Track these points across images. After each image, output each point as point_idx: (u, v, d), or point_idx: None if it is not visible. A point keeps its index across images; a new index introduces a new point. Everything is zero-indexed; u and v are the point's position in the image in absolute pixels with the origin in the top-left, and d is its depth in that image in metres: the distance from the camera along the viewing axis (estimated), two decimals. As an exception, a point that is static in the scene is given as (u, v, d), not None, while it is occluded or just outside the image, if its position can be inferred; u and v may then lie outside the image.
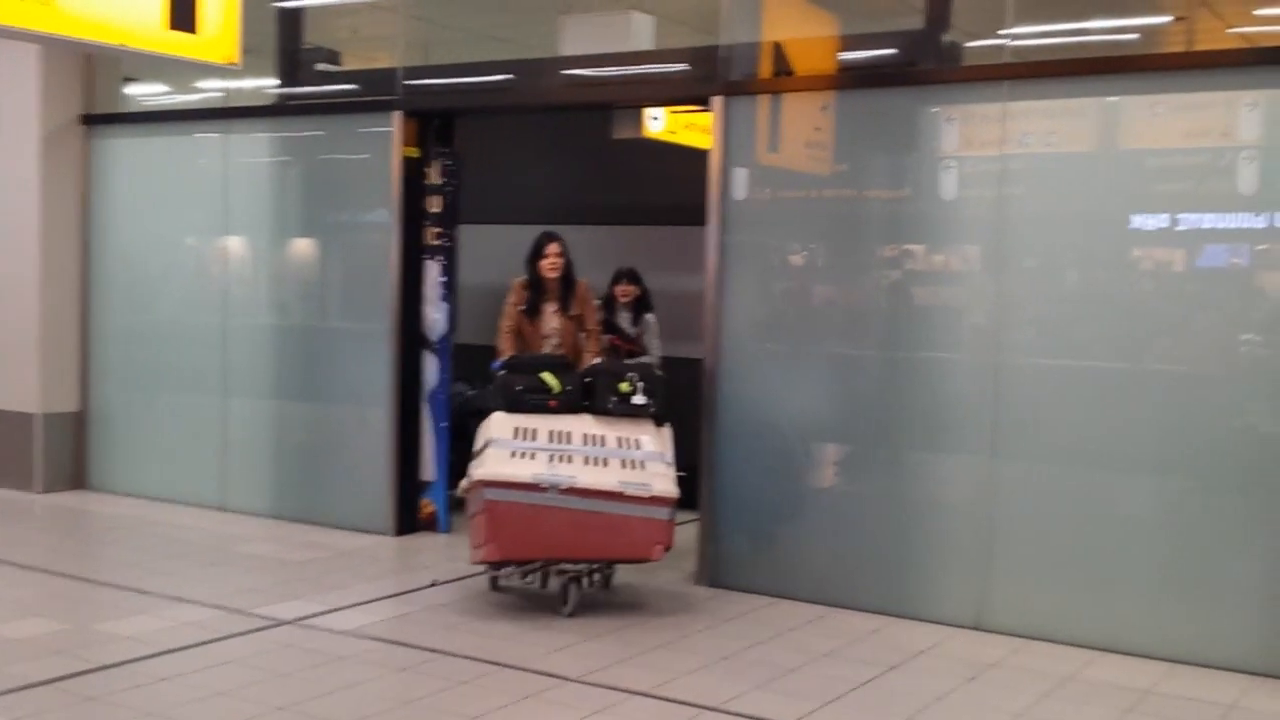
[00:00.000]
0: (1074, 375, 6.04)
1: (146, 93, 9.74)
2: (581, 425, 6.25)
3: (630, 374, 6.40)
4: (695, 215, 6.99)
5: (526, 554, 6.21)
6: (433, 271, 8.09)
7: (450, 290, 8.15)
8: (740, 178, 6.89)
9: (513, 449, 6.10)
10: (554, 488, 5.96)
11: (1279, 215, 5.56)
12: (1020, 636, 5.98)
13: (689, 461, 7.05)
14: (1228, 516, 5.69)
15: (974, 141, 6.29)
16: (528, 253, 7.03)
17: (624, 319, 8.26)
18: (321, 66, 8.94)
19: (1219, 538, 5.71)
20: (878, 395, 6.61)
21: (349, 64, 9.19)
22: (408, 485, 8.12)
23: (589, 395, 6.39)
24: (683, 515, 7.85)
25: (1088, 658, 5.75)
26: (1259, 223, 5.61)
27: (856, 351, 6.73)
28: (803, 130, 6.92)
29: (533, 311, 7.03)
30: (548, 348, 6.97)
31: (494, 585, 6.68)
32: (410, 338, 8.06)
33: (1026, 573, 6.09)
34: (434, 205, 8.06)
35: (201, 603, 6.42)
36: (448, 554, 7.61)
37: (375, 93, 8.17)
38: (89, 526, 8.54)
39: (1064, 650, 5.86)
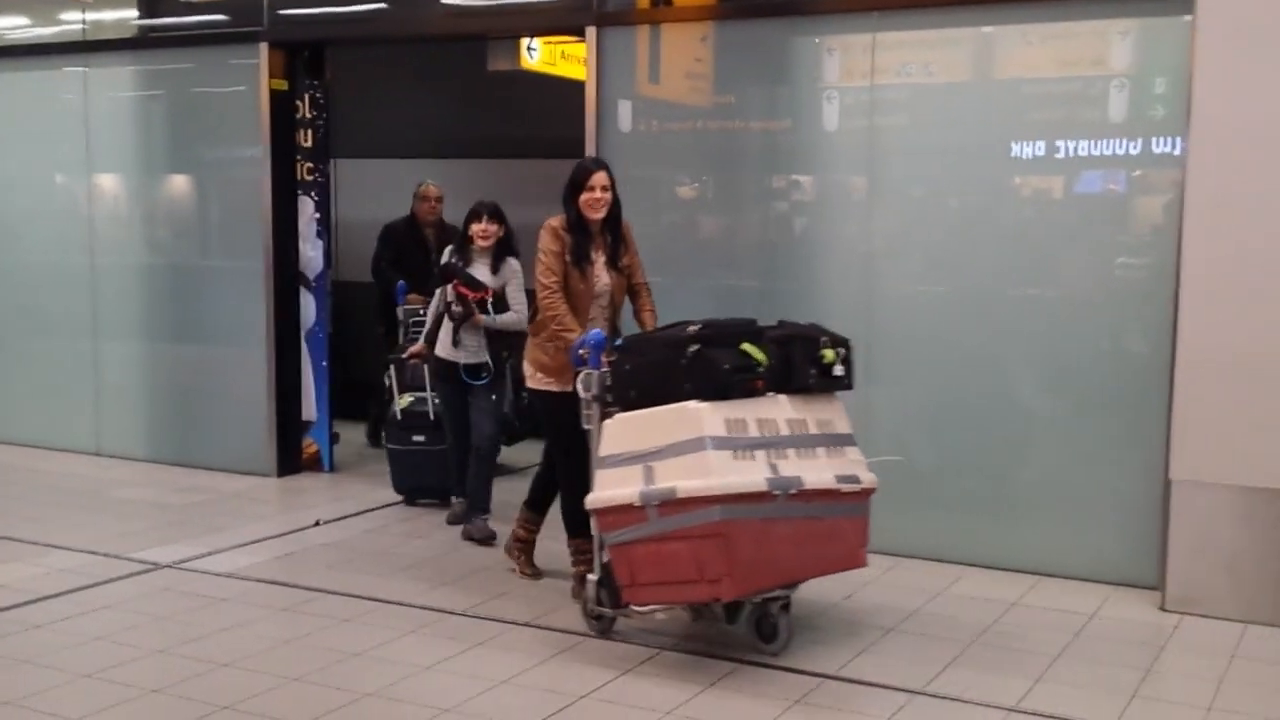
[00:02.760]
0: (950, 301, 6.17)
1: (2, 26, 9.34)
2: (781, 408, 4.77)
3: (824, 338, 4.97)
4: (577, 148, 6.96)
5: (761, 584, 4.73)
6: (307, 208, 7.95)
7: (326, 227, 8.02)
8: (619, 110, 6.87)
9: (734, 449, 4.54)
10: (784, 494, 4.57)
11: (1154, 141, 5.69)
12: (895, 555, 6.15)
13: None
14: (1096, 435, 5.89)
15: (852, 72, 6.34)
16: (566, 185, 5.52)
17: (482, 265, 6.51)
18: (185, -3, 8.66)
19: (1087, 456, 5.92)
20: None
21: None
22: (289, 425, 8.03)
23: (785, 368, 4.90)
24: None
25: (957, 573, 5.95)
26: (1134, 149, 5.75)
27: (738, 282, 6.79)
28: (683, 61, 6.91)
29: (581, 261, 5.46)
30: (597, 310, 5.51)
31: (696, 615, 5.10)
32: (286, 276, 7.93)
33: (900, 494, 6.24)
34: (305, 139, 7.90)
35: (76, 549, 6.31)
36: (331, 494, 7.57)
37: (241, 23, 7.95)
38: (-44, 476, 8.32)
39: (936, 566, 6.05)
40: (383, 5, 7.82)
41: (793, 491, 4.55)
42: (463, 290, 6.40)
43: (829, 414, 4.90)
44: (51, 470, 8.23)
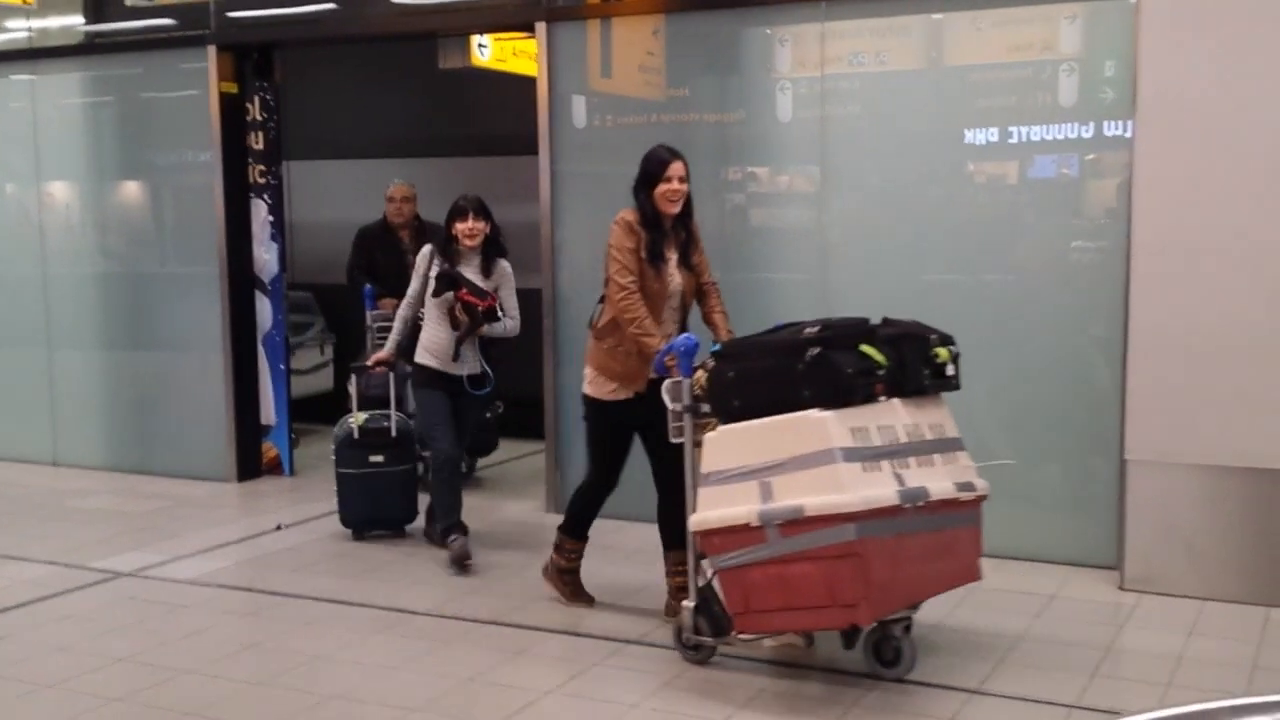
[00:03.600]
0: (905, 288, 6.19)
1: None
2: (897, 413, 4.37)
3: (933, 336, 4.60)
4: (531, 145, 6.94)
5: (894, 605, 4.38)
6: (260, 211, 7.89)
7: (280, 229, 7.97)
8: (571, 104, 6.87)
9: (862, 460, 4.16)
10: (913, 506, 4.22)
11: (1105, 125, 5.74)
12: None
13: (532, 392, 7.09)
14: (1055, 418, 5.95)
15: (803, 62, 6.36)
16: (637, 177, 5.08)
17: (470, 268, 6.02)
18: (132, 1, 8.58)
19: (1045, 439, 5.97)
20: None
21: (161, -2, 8.85)
22: (248, 430, 7.98)
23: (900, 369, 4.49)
24: (530, 445, 7.99)
25: (920, 559, 5.99)
26: (1086, 132, 5.80)
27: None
28: (635, 55, 6.91)
29: (656, 259, 5.01)
30: (668, 311, 5.09)
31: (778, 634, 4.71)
32: (241, 279, 7.88)
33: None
34: (256, 142, 7.84)
35: (36, 559, 6.25)
36: (292, 497, 7.52)
37: (188, 27, 7.90)
38: (-89, 490, 8.21)
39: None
40: (331, 5, 7.78)
41: (920, 504, 4.22)
42: (471, 299, 5.88)
43: (939, 417, 4.52)
44: (9, 481, 8.14)
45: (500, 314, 5.97)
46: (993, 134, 5.99)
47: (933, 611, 5.19)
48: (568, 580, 5.40)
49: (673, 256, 5.06)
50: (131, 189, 8.40)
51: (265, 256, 7.90)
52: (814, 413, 4.16)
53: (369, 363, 6.44)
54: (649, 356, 4.83)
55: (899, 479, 4.19)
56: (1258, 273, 5.23)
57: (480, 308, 5.89)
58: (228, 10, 7.75)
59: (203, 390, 7.98)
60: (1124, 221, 5.52)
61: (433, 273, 5.95)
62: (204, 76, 7.75)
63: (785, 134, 6.43)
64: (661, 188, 4.97)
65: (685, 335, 4.72)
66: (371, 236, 7.71)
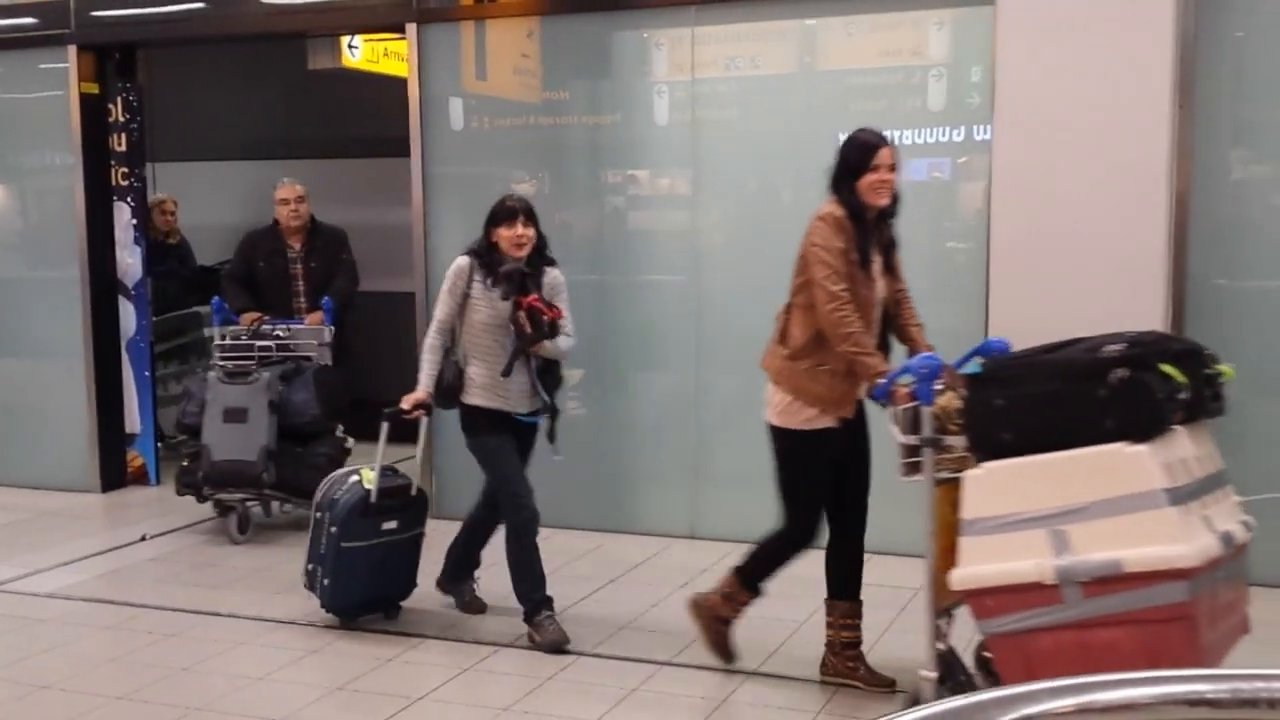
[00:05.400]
0: (779, 292, 6.25)
1: None
2: (1185, 444, 3.64)
3: (1207, 352, 3.84)
4: (404, 147, 6.88)
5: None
6: (123, 214, 7.68)
7: (144, 233, 7.77)
8: (444, 106, 6.83)
9: (1181, 503, 3.47)
10: (1227, 554, 3.57)
11: (974, 129, 5.86)
12: (730, 541, 6.21)
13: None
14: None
15: (676, 66, 6.41)
16: (839, 166, 4.42)
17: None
18: (-14, -1, 8.30)
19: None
20: (592, 320, 6.70)
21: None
22: (112, 439, 7.76)
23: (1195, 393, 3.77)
24: (404, 451, 7.88)
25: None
26: (957, 136, 5.93)
27: (573, 278, 6.77)
28: (510, 57, 6.89)
29: (865, 263, 4.36)
30: (872, 323, 4.42)
31: None
32: (104, 284, 7.66)
33: (731, 481, 6.35)
34: (119, 144, 7.64)
35: (-117, 578, 6.01)
36: (158, 507, 7.33)
37: (48, 26, 7.65)
38: None
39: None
40: (197, 5, 7.61)
41: (1228, 551, 3.55)
42: (540, 306, 4.88)
43: (1209, 445, 3.78)
44: None
45: (561, 329, 4.98)
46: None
47: (802, 607, 5.25)
48: (719, 631, 4.62)
49: (878, 259, 4.40)
50: (-10, 192, 8.13)
51: (129, 260, 7.69)
52: (1125, 447, 3.47)
53: (405, 405, 5.00)
54: (868, 378, 4.17)
55: (1207, 521, 3.53)
56: (1100, 273, 5.39)
57: (547, 317, 4.91)
58: (89, 9, 7.54)
59: (64, 398, 7.74)
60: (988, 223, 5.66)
61: (474, 291, 4.93)
62: (64, 77, 7.53)
63: (660, 137, 6.48)
64: (869, 178, 4.29)
65: (925, 355, 4.07)
66: (251, 243, 7.10)
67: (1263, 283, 5.48)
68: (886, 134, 4.43)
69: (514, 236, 4.90)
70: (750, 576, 4.55)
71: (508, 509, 4.99)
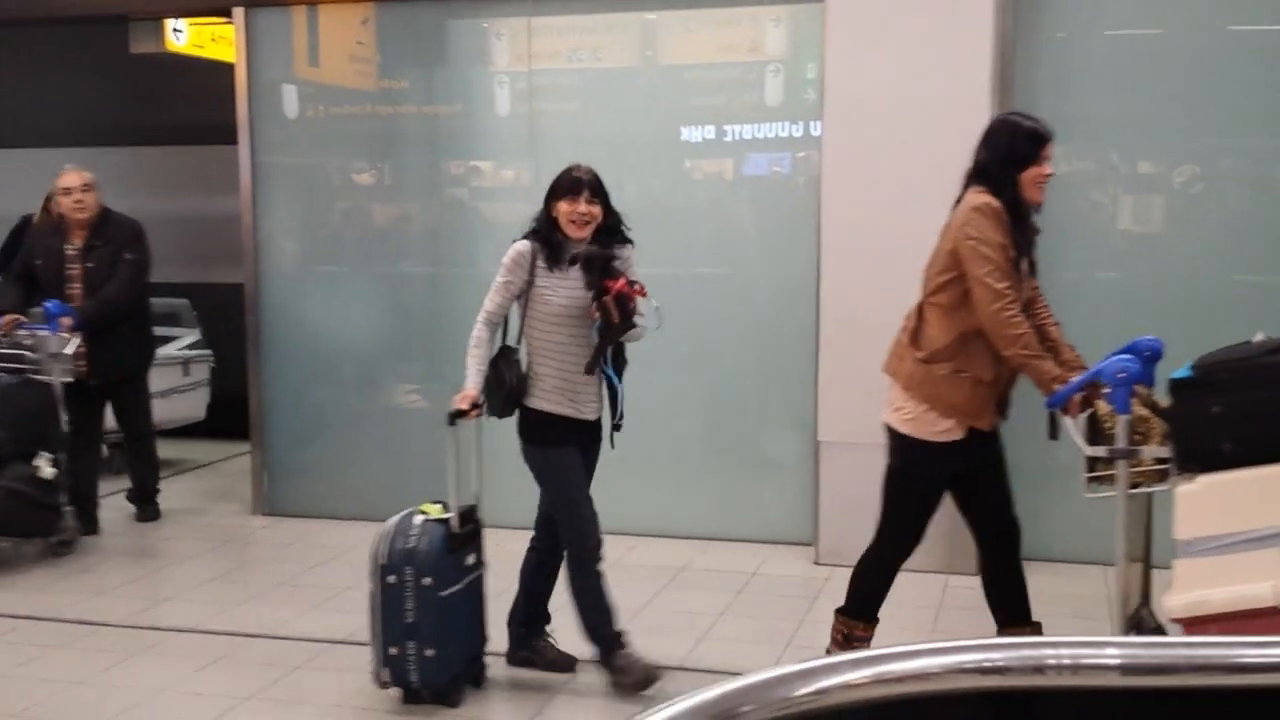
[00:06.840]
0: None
1: None
2: None
3: None
4: (232, 134, 6.69)
5: None
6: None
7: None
8: (276, 93, 6.67)
9: None
10: None
11: (811, 124, 5.92)
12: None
13: (237, 391, 6.86)
14: (759, 404, 6.19)
15: (514, 56, 6.37)
16: (1000, 153, 3.99)
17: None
18: None
19: (750, 423, 6.21)
20: (424, 313, 6.65)
21: None
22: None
23: None
24: (237, 446, 7.70)
25: (631, 543, 6.10)
26: (796, 131, 6.00)
27: (403, 270, 6.72)
28: (344, 44, 6.77)
29: (1021, 260, 4.02)
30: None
31: None
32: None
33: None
34: (-78, 128, 7.21)
35: None
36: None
37: None
38: None
39: (610, 539, 6.17)
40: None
41: None
42: (627, 290, 4.13)
43: None
44: None
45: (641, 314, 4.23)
46: (708, 132, 6.16)
47: (639, 594, 5.32)
48: None
49: (1026, 258, 4.07)
50: None
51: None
52: None
53: (463, 405, 4.17)
54: (1043, 385, 3.84)
55: None
56: (923, 261, 5.52)
57: (633, 299, 4.16)
58: (-112, -14, 7.15)
59: None
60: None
61: (539, 279, 4.22)
62: None
63: (500, 128, 6.45)
64: (1033, 170, 3.93)
65: (1121, 357, 3.70)
66: (35, 236, 6.38)
67: (1074, 275, 5.68)
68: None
69: (577, 213, 4.18)
70: (858, 606, 4.27)
71: (572, 535, 4.33)
